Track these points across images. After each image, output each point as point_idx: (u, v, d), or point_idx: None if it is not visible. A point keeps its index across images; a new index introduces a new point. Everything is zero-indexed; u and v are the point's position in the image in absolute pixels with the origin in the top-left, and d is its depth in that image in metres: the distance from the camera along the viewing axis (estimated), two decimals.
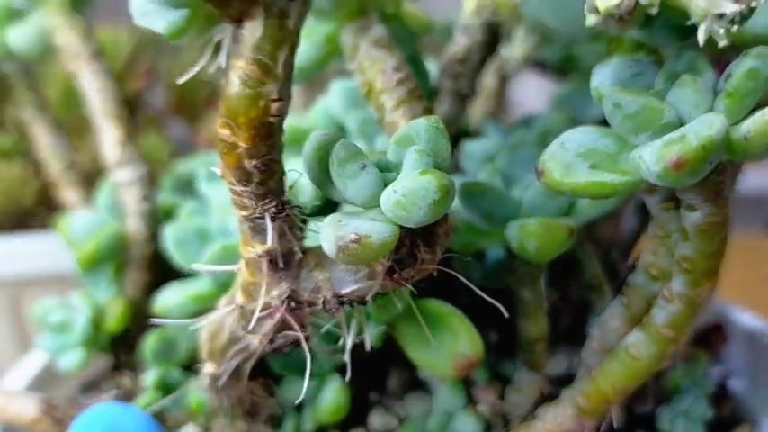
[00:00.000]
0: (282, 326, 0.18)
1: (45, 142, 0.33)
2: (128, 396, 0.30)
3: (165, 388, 0.28)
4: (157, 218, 0.28)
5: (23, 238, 0.51)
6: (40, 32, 0.30)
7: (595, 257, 0.27)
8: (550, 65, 0.31)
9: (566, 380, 0.27)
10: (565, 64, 0.31)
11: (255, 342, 0.18)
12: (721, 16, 0.14)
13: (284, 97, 0.14)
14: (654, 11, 0.14)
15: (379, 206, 0.16)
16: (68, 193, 0.32)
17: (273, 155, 0.15)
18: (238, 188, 0.15)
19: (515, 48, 0.28)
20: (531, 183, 0.23)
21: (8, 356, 0.52)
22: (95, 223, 0.28)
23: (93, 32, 0.29)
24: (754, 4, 0.15)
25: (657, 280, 0.21)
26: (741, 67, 0.15)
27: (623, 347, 0.21)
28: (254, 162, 0.15)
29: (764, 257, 0.55)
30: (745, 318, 0.31)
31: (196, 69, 0.15)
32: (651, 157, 0.15)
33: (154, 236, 0.29)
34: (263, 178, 0.15)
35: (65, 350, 0.29)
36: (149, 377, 0.28)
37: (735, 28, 0.15)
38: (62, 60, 0.29)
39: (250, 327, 0.18)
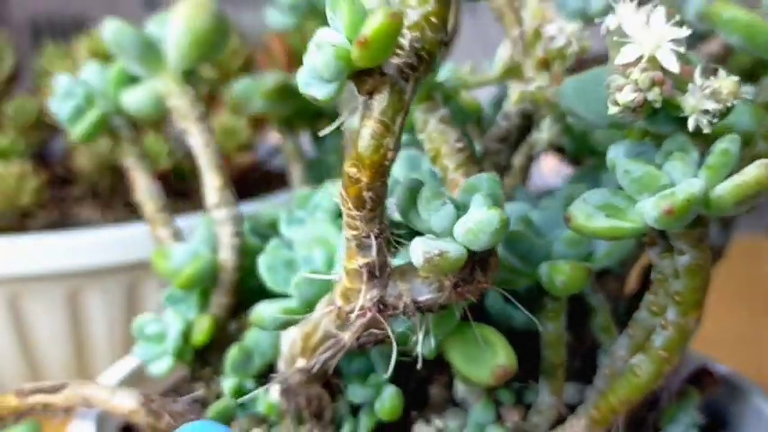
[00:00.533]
0: (370, 325, 0.23)
1: (142, 186, 0.39)
2: (202, 403, 0.36)
3: (239, 395, 0.33)
4: (243, 251, 0.34)
5: (23, 238, 0.52)
6: (154, 96, 0.37)
7: (606, 306, 0.33)
8: (568, 150, 0.38)
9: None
10: (580, 150, 0.38)
11: (347, 338, 0.24)
12: (706, 112, 0.20)
13: (396, 148, 0.21)
14: (657, 105, 0.20)
15: (452, 235, 0.22)
16: (161, 231, 0.38)
17: (383, 189, 0.21)
18: (354, 213, 0.21)
19: (543, 133, 0.35)
20: (557, 235, 0.29)
21: (9, 356, 0.55)
22: (192, 253, 0.34)
23: (200, 99, 0.36)
24: (729, 105, 0.21)
25: (657, 315, 0.27)
26: (718, 148, 0.21)
27: (628, 367, 0.27)
28: (370, 193, 0.21)
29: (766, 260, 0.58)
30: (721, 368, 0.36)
31: (337, 124, 0.21)
32: (650, 207, 0.21)
33: (240, 266, 0.35)
34: (373, 206, 0.21)
35: (157, 358, 0.34)
36: (227, 385, 0.33)
37: (715, 120, 0.21)
38: (175, 118, 0.36)
39: (346, 324, 0.23)
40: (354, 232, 0.22)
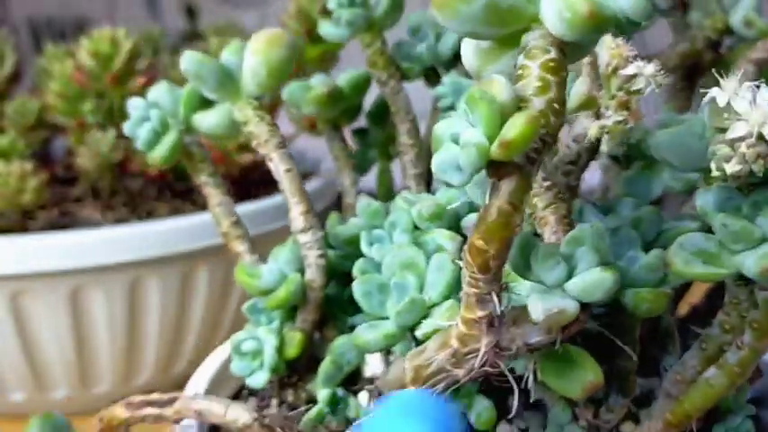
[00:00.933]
0: (484, 364, 0.26)
1: (215, 202, 0.41)
2: (291, 407, 0.39)
3: (332, 402, 0.36)
4: (327, 270, 0.37)
5: (24, 238, 0.53)
6: (229, 120, 0.38)
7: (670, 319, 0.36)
8: (620, 156, 0.40)
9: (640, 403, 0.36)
10: (632, 156, 0.40)
11: (461, 374, 0.26)
12: None
13: (521, 224, 0.23)
14: (759, 174, 0.23)
15: (562, 287, 0.25)
16: (236, 244, 0.40)
17: (506, 256, 0.23)
18: (478, 276, 0.24)
19: (603, 145, 0.37)
20: (632, 258, 0.31)
21: (10, 355, 0.56)
22: (279, 273, 0.37)
23: (277, 126, 0.38)
24: None
25: (728, 333, 0.30)
26: None
27: (704, 379, 0.30)
28: (496, 262, 0.23)
29: None
30: None
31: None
32: (752, 263, 0.23)
33: (324, 284, 0.37)
34: (497, 271, 0.23)
35: (255, 372, 0.37)
36: (321, 394, 0.36)
37: None
38: (254, 144, 0.37)
39: (461, 363, 0.26)
40: (476, 290, 0.24)
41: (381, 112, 0.51)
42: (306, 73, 0.60)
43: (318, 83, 0.46)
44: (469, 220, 0.36)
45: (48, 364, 0.58)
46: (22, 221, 0.58)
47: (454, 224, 0.36)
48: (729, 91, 0.23)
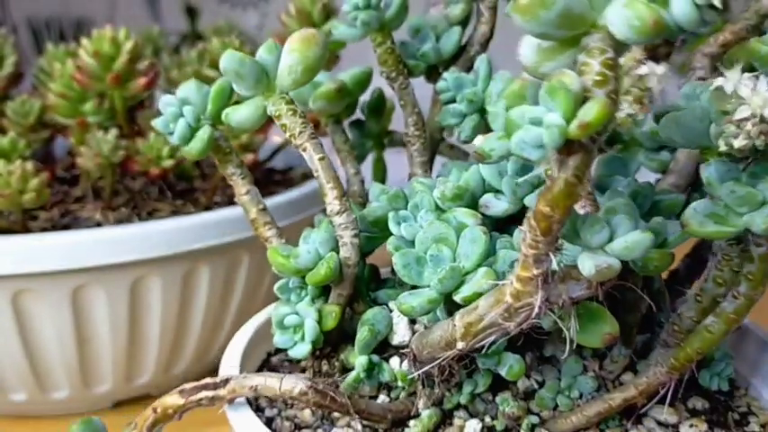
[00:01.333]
0: (537, 316, 0.30)
1: (243, 191, 0.44)
2: (325, 375, 0.42)
3: (369, 368, 0.40)
4: (360, 248, 0.40)
5: (25, 238, 0.54)
6: (261, 113, 0.41)
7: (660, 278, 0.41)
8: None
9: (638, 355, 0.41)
10: (610, 141, 0.46)
11: (512, 326, 0.31)
12: None
13: (584, 196, 0.27)
14: (761, 148, 0.28)
15: (604, 249, 0.30)
16: (263, 230, 0.43)
17: (565, 222, 0.28)
18: (539, 238, 0.28)
19: None
20: (640, 227, 0.36)
21: (11, 355, 0.57)
22: (315, 253, 0.40)
23: (308, 118, 0.41)
24: None
25: (721, 286, 0.35)
26: None
27: (703, 326, 0.35)
28: (557, 226, 0.27)
29: None
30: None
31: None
32: (760, 220, 0.29)
33: (357, 262, 0.41)
34: (557, 234, 0.28)
35: (297, 345, 0.40)
36: (359, 360, 0.40)
37: None
38: (288, 135, 0.40)
39: (512, 317, 0.30)
40: (535, 251, 0.29)
41: (377, 107, 0.55)
42: None
43: (325, 80, 0.49)
44: (486, 199, 0.40)
45: (49, 364, 0.58)
46: (23, 221, 0.58)
47: (472, 203, 0.40)
48: (734, 80, 0.29)
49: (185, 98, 0.42)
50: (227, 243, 0.59)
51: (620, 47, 0.26)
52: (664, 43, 0.52)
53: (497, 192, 0.40)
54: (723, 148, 0.29)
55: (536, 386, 0.39)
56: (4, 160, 0.56)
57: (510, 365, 0.37)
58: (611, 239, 0.30)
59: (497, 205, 0.40)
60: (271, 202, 0.61)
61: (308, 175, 0.76)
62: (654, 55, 0.54)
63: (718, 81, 0.29)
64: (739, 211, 0.30)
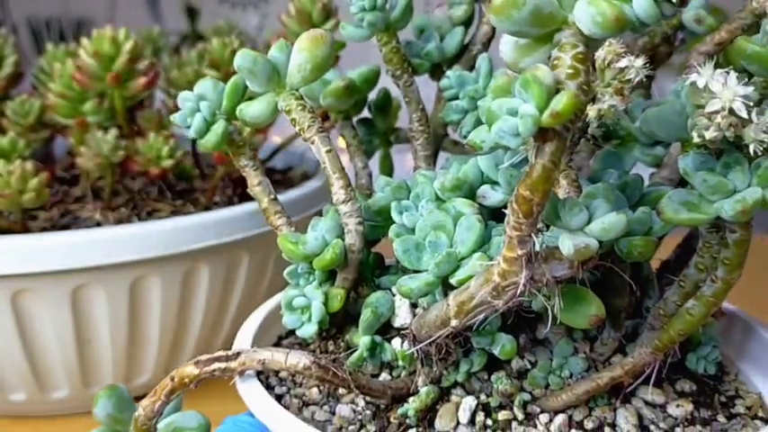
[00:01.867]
0: (520, 295, 0.33)
1: (255, 182, 0.46)
2: (331, 354, 0.45)
3: (372, 348, 0.43)
4: (365, 236, 0.43)
5: (25, 238, 0.53)
6: (272, 108, 0.44)
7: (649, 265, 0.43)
8: (598, 136, 0.48)
9: (627, 339, 0.43)
10: (606, 136, 0.48)
11: (500, 304, 0.33)
12: (761, 141, 0.30)
13: (557, 178, 0.30)
14: (731, 139, 0.30)
15: (584, 230, 0.32)
16: (274, 218, 0.46)
17: (545, 205, 0.30)
18: (522, 220, 0.30)
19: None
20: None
21: (11, 354, 0.57)
22: (322, 240, 0.43)
23: (317, 113, 0.43)
24: None
25: (702, 272, 0.37)
26: (763, 164, 0.31)
27: (684, 309, 0.37)
28: (537, 209, 0.30)
29: None
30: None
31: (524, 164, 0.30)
32: (729, 207, 0.31)
33: (362, 248, 0.43)
34: (537, 216, 0.30)
35: (304, 325, 0.43)
36: (363, 340, 0.42)
37: (765, 145, 0.31)
38: (297, 129, 0.43)
39: (500, 295, 0.33)
40: (518, 233, 0.31)
41: (384, 105, 0.58)
42: None
43: (335, 78, 0.52)
44: (483, 190, 0.43)
45: (49, 364, 0.58)
46: (23, 221, 0.58)
47: (470, 194, 0.43)
48: (706, 76, 0.31)
49: (202, 94, 0.45)
50: (226, 243, 0.60)
51: (589, 42, 0.28)
52: (664, 42, 0.54)
53: (494, 183, 0.42)
54: (697, 139, 0.31)
55: (529, 366, 0.42)
56: (3, 160, 0.56)
57: (503, 345, 0.39)
58: (589, 221, 0.32)
59: (494, 196, 0.42)
60: None
61: (307, 175, 0.76)
62: (654, 54, 0.56)
63: (693, 77, 0.31)
64: (711, 199, 0.32)
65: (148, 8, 1.37)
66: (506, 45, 0.31)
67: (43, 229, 0.59)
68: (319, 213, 0.49)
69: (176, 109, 0.68)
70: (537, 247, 0.32)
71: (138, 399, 0.64)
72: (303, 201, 0.66)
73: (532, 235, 0.31)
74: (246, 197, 0.67)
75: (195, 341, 0.64)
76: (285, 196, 0.65)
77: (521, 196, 0.30)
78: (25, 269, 0.53)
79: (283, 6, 0.65)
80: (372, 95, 0.56)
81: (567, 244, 0.31)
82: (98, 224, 0.62)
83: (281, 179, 0.78)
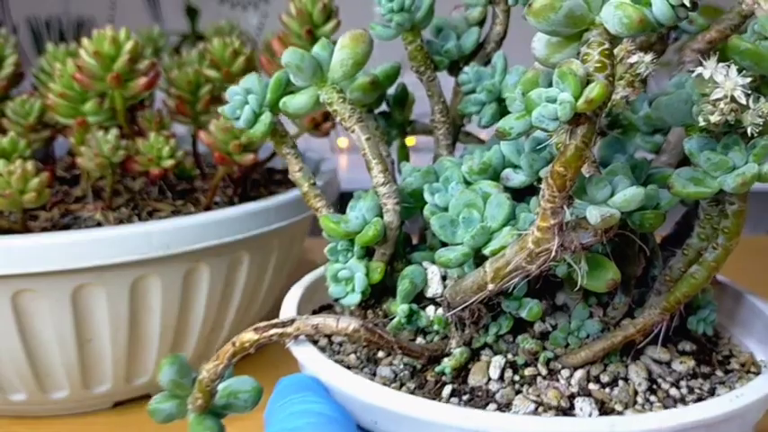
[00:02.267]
0: (551, 260, 0.38)
1: (296, 168, 0.51)
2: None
3: (409, 315, 0.47)
4: (401, 214, 0.48)
5: (26, 238, 0.53)
6: (315, 101, 0.49)
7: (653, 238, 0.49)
8: (603, 125, 0.53)
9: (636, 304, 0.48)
10: (611, 125, 0.53)
11: (533, 268, 0.38)
12: (757, 124, 0.35)
13: (589, 157, 0.35)
14: (731, 122, 0.35)
15: (607, 203, 0.37)
16: (315, 201, 0.51)
17: (576, 180, 0.35)
18: (556, 193, 0.35)
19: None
20: None
21: (11, 354, 0.57)
22: (362, 219, 0.47)
23: (356, 105, 0.48)
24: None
25: (704, 241, 0.42)
26: (759, 143, 0.37)
27: (689, 274, 0.42)
28: (570, 183, 0.35)
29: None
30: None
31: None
32: (731, 180, 0.36)
33: (399, 226, 0.48)
34: (569, 189, 0.35)
35: (348, 295, 0.47)
36: (401, 308, 0.47)
37: (760, 128, 0.36)
38: (339, 119, 0.48)
39: (533, 260, 0.38)
40: (552, 205, 0.36)
41: (401, 99, 0.62)
42: None
43: (360, 74, 0.57)
44: (506, 173, 0.48)
45: (49, 365, 0.58)
46: (23, 221, 0.57)
47: (495, 177, 0.48)
48: (711, 69, 0.36)
49: (249, 88, 0.49)
50: (227, 243, 0.60)
51: (614, 40, 0.34)
52: (658, 41, 0.59)
53: (516, 167, 0.48)
54: (702, 123, 0.36)
55: (550, 329, 0.47)
56: (4, 160, 0.56)
57: (530, 307, 0.44)
58: (612, 195, 0.37)
59: (516, 178, 0.47)
60: (271, 202, 0.64)
61: None
62: (650, 50, 0.61)
63: (699, 70, 0.36)
64: (714, 174, 0.37)
65: (148, 8, 1.38)
66: (539, 42, 0.36)
67: (43, 229, 0.59)
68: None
69: (177, 109, 0.71)
70: (567, 218, 0.37)
71: (138, 399, 0.65)
72: (303, 201, 0.67)
73: (564, 207, 0.36)
74: (247, 197, 0.70)
75: (195, 341, 0.64)
76: (285, 196, 0.65)
77: (556, 172, 0.35)
78: (25, 269, 0.52)
79: (283, 6, 0.65)
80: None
81: (593, 214, 0.36)
82: (98, 224, 0.61)
83: (281, 179, 0.79)
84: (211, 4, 1.25)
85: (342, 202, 0.53)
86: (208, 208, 0.66)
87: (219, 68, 0.70)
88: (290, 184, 0.74)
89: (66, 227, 0.61)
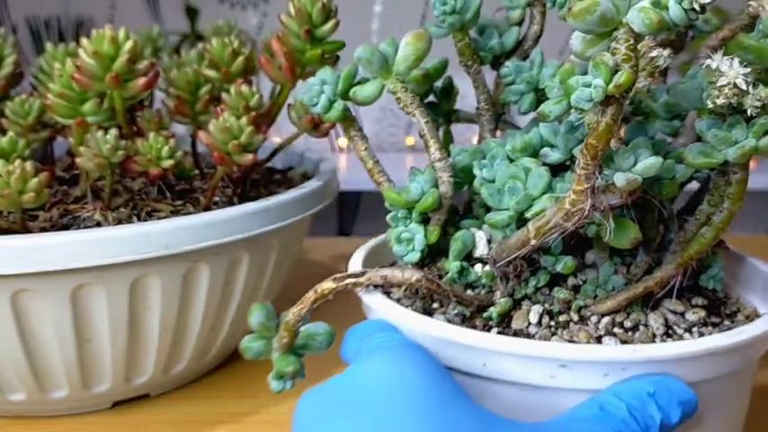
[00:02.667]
0: (585, 218, 0.46)
1: (362, 148, 0.60)
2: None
3: (460, 271, 0.56)
4: (454, 186, 0.56)
5: (25, 238, 0.53)
6: (380, 90, 0.57)
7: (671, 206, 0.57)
8: (627, 112, 0.61)
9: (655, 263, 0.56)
10: (633, 112, 0.61)
11: (569, 225, 0.47)
12: (756, 106, 0.44)
13: (617, 133, 0.43)
14: (735, 105, 0.43)
15: (631, 170, 0.45)
16: (378, 176, 0.59)
17: (606, 151, 0.43)
18: (589, 162, 0.44)
19: None
20: None
21: (10, 354, 0.57)
22: (421, 189, 0.56)
23: (415, 93, 0.57)
24: (765, 102, 0.44)
25: (713, 207, 0.50)
26: (758, 122, 0.45)
27: (700, 234, 0.50)
28: (601, 153, 0.43)
29: None
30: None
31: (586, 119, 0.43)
32: (732, 152, 0.44)
33: (452, 196, 0.56)
34: (601, 158, 0.44)
35: (409, 253, 0.56)
36: (453, 265, 0.56)
37: (758, 110, 0.44)
38: (401, 105, 0.56)
39: (569, 218, 0.46)
40: (585, 171, 0.44)
41: (448, 91, 0.71)
42: (305, 71, 0.68)
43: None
44: (544, 151, 0.56)
45: (48, 364, 0.58)
46: (22, 221, 0.57)
47: (534, 154, 0.56)
48: (718, 60, 0.44)
49: (324, 79, 0.58)
50: (226, 243, 0.60)
51: (638, 37, 0.42)
52: (677, 38, 0.67)
53: (552, 146, 0.56)
54: (710, 106, 0.44)
55: (581, 283, 0.55)
56: (3, 160, 0.55)
57: (564, 262, 0.53)
58: (635, 164, 0.45)
59: (552, 155, 0.55)
60: (271, 202, 0.64)
61: (307, 176, 0.78)
62: (669, 46, 0.69)
63: (707, 61, 0.44)
64: (719, 148, 0.45)
65: (148, 8, 1.38)
66: (576, 39, 0.45)
67: (43, 230, 0.58)
68: (319, 213, 0.62)
69: (176, 109, 0.72)
70: (598, 182, 0.45)
71: (138, 399, 0.67)
72: (303, 201, 0.67)
73: (595, 173, 0.44)
74: (246, 197, 0.70)
75: (195, 341, 0.64)
76: (285, 196, 0.65)
77: (589, 144, 0.43)
78: (25, 269, 0.52)
79: (283, 6, 0.65)
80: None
81: (620, 178, 0.44)
82: (98, 224, 0.61)
83: (281, 179, 0.79)
84: (211, 4, 1.27)
85: (341, 201, 0.59)
86: (207, 208, 0.65)
87: (219, 68, 0.70)
88: (290, 185, 0.76)
89: (66, 227, 0.60)
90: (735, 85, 0.44)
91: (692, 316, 0.54)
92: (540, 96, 0.62)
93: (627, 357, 0.45)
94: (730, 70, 0.43)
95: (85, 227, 0.60)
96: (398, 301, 0.58)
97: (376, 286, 0.55)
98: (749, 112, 0.44)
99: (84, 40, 0.62)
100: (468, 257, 0.58)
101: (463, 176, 0.59)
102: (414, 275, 0.52)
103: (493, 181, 0.54)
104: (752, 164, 0.48)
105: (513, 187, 0.52)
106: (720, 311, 0.56)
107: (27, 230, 0.58)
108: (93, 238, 0.54)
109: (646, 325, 0.53)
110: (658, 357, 0.44)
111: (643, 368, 0.44)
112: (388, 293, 0.59)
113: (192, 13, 1.16)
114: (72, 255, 0.53)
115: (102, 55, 0.60)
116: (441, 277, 0.57)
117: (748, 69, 0.43)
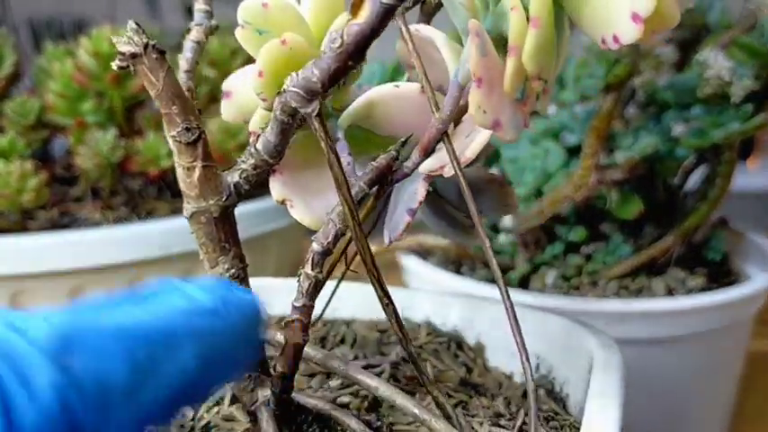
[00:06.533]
0: (591, 191, 0.54)
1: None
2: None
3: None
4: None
5: (25, 237, 0.53)
6: None
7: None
8: (642, 103, 0.68)
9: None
10: (647, 103, 0.68)
11: (578, 197, 0.54)
12: (739, 96, 0.51)
13: (616, 116, 0.51)
14: (724, 94, 0.51)
15: (632, 149, 0.53)
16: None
17: (608, 131, 0.51)
18: (593, 142, 0.52)
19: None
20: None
21: None
22: None
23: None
24: (749, 91, 0.51)
25: (708, 184, 0.58)
26: (743, 109, 0.52)
27: (696, 207, 0.58)
28: (604, 133, 0.51)
29: None
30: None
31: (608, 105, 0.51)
32: (719, 134, 0.51)
33: None
34: (603, 138, 0.51)
35: None
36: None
37: (741, 98, 0.51)
38: None
39: (578, 190, 0.54)
40: (591, 149, 0.52)
41: None
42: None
43: None
44: (563, 135, 0.64)
45: None
46: (22, 221, 0.57)
47: (554, 137, 0.64)
48: (706, 56, 0.52)
49: (373, 72, 0.67)
50: None
51: None
52: (692, 36, 0.74)
53: (571, 130, 0.64)
54: (701, 95, 0.52)
55: (592, 252, 0.63)
56: (3, 160, 0.55)
57: (578, 231, 0.60)
58: (634, 143, 0.53)
59: (570, 138, 0.63)
60: (270, 202, 0.56)
61: None
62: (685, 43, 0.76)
63: (698, 56, 0.52)
64: (710, 131, 0.53)
65: (148, 7, 1.32)
66: (587, 38, 0.52)
67: (42, 229, 0.58)
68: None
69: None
70: (602, 159, 0.53)
71: None
72: None
73: (599, 151, 0.52)
74: (246, 195, 0.75)
75: None
76: None
77: (593, 126, 0.51)
78: (24, 269, 0.52)
79: None
80: None
81: (620, 156, 0.52)
82: (97, 224, 0.60)
83: None
84: (211, 4, 1.31)
85: None
86: None
87: (218, 67, 0.69)
88: None
89: (65, 227, 0.59)
90: (719, 77, 0.51)
91: (692, 282, 0.62)
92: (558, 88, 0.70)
93: (623, 309, 0.52)
94: (716, 63, 0.51)
95: (85, 227, 0.59)
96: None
97: (413, 251, 0.64)
98: (733, 100, 0.51)
99: (83, 40, 0.62)
100: (494, 229, 0.66)
101: (491, 158, 0.67)
102: (444, 241, 0.61)
103: (516, 160, 0.62)
104: (752, 164, 0.56)
105: (533, 165, 0.60)
106: (719, 278, 0.63)
107: (26, 230, 0.57)
108: (93, 239, 0.54)
109: (650, 288, 0.60)
110: (649, 310, 0.52)
111: (640, 319, 0.52)
112: (424, 258, 0.67)
113: (191, 13, 1.21)
114: (71, 255, 0.53)
115: (101, 54, 0.60)
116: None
117: (732, 63, 0.50)
